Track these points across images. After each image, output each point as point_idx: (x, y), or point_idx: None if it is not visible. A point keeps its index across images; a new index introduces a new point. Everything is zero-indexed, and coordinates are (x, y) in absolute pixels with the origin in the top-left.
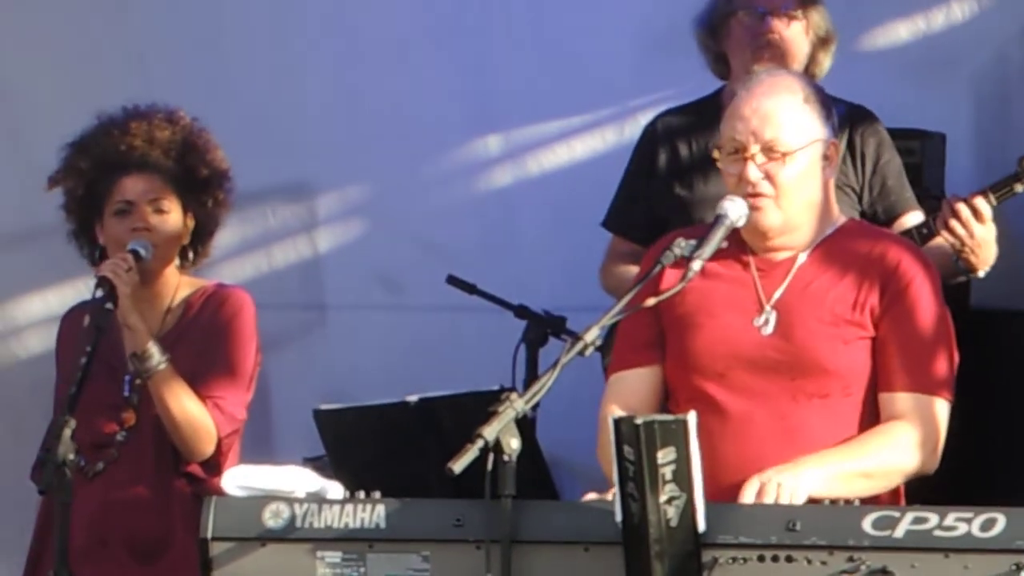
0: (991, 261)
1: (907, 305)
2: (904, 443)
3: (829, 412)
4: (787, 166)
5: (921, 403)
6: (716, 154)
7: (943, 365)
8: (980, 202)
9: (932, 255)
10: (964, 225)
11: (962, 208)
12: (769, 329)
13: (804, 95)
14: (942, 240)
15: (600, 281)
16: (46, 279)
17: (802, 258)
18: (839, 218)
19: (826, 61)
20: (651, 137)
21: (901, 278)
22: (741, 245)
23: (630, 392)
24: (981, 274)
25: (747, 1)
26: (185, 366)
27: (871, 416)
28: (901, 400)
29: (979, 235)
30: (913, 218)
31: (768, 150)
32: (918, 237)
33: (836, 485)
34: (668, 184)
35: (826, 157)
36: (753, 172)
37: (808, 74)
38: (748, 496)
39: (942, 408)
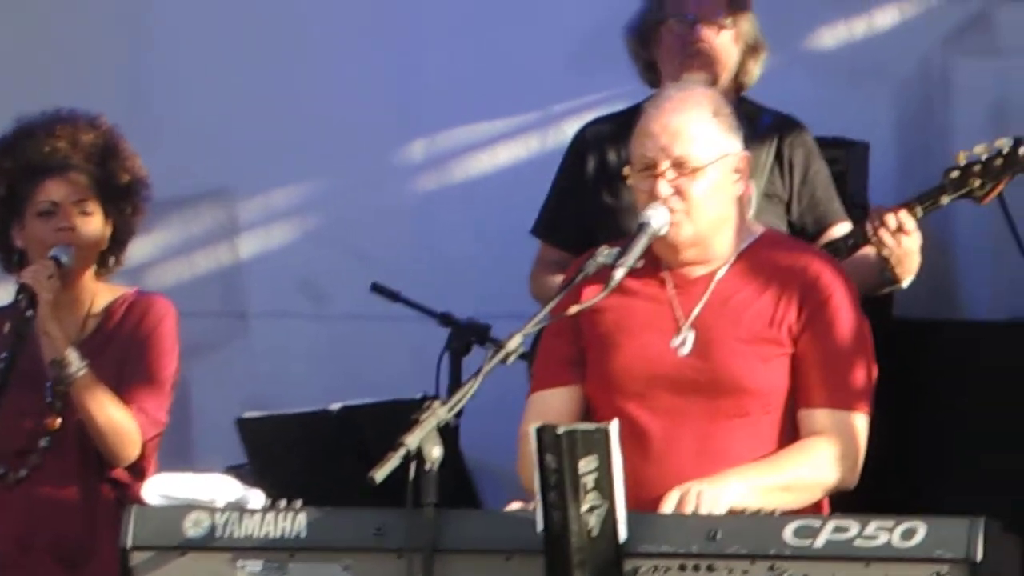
0: (915, 271)
1: (826, 320)
2: (824, 458)
3: (749, 431)
4: (697, 181)
5: (840, 419)
6: (627, 171)
7: (861, 379)
8: (904, 214)
9: (858, 266)
10: (892, 235)
11: (890, 219)
12: (686, 349)
13: (713, 109)
14: (868, 250)
15: (529, 288)
16: None
17: (721, 272)
18: (756, 229)
19: (755, 69)
20: (580, 145)
21: (820, 293)
22: (657, 262)
23: (550, 411)
24: (905, 284)
25: (677, 9)
26: (108, 373)
27: (791, 432)
28: (821, 416)
29: (905, 245)
30: (841, 229)
31: (678, 166)
32: (844, 248)
33: (756, 498)
34: (596, 192)
35: (737, 170)
36: (663, 188)
37: (737, 83)
38: (669, 506)
39: (861, 423)
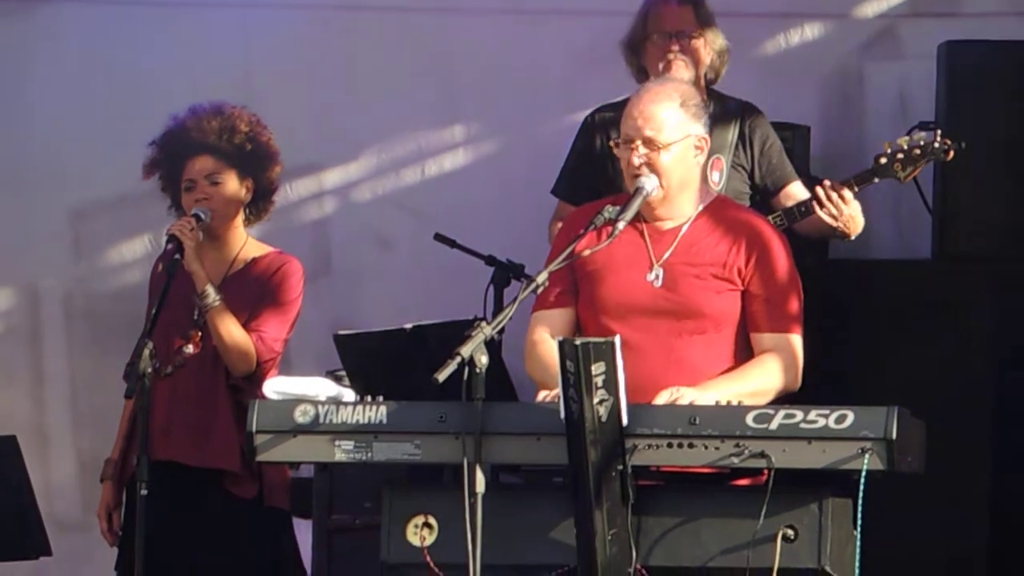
0: (860, 228)
1: (767, 265)
2: (773, 370)
3: (706, 345)
4: (663, 154)
5: (783, 340)
6: (612, 143)
7: (796, 308)
8: (845, 191)
9: (815, 225)
10: (835, 206)
11: (831, 194)
12: (659, 283)
13: (681, 100)
14: (823, 216)
15: (548, 234)
16: (135, 231)
17: (685, 227)
18: (712, 193)
19: (723, 69)
20: (589, 126)
21: (762, 244)
22: (637, 217)
23: (552, 325)
24: (853, 237)
25: (658, 27)
26: (244, 305)
27: (740, 347)
28: (768, 339)
29: (848, 212)
30: (796, 187)
31: (648, 143)
32: (798, 214)
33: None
34: (602, 164)
35: (697, 147)
36: (636, 159)
37: (707, 79)
38: (661, 400)
39: (798, 341)
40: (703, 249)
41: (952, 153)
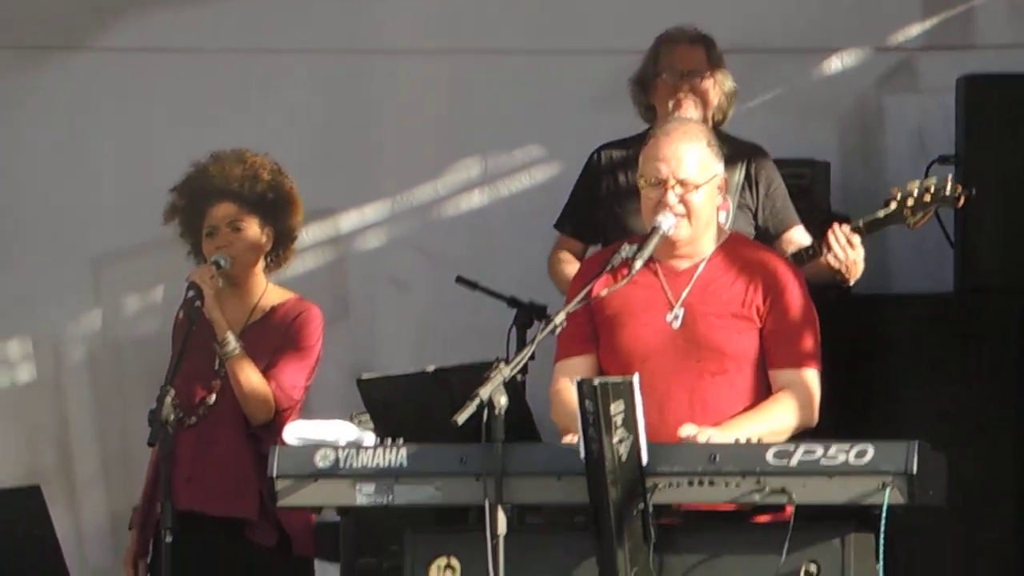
0: (859, 274)
1: (784, 303)
2: (790, 408)
3: (728, 385)
4: (695, 194)
5: (799, 376)
6: (641, 183)
7: (812, 344)
8: (855, 237)
9: (817, 270)
10: (843, 250)
11: (842, 238)
12: (678, 324)
13: (707, 140)
14: (829, 259)
15: (548, 266)
16: (156, 279)
17: (702, 266)
18: (726, 231)
19: (730, 111)
20: (595, 164)
21: (779, 282)
22: (651, 258)
23: (574, 374)
24: (852, 283)
25: (669, 65)
26: (264, 353)
27: (760, 386)
28: (785, 375)
29: (852, 257)
30: (797, 232)
31: (682, 183)
32: (805, 257)
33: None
34: (608, 203)
35: (719, 187)
36: (672, 198)
37: (714, 120)
38: (683, 433)
39: (815, 377)
40: (720, 288)
41: (963, 200)
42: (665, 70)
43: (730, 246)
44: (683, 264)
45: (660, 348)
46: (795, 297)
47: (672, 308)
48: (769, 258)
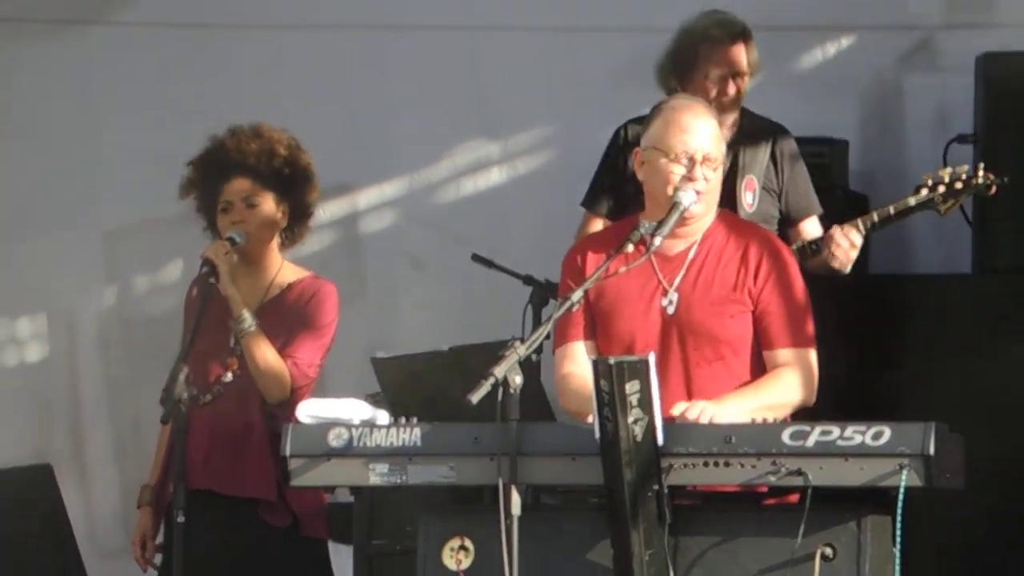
0: (850, 266)
1: (781, 282)
2: (791, 384)
3: (724, 370)
4: (715, 172)
5: (799, 355)
6: (663, 158)
7: (809, 323)
8: (855, 234)
9: (813, 263)
10: (845, 253)
11: (843, 240)
12: (672, 310)
13: (718, 120)
14: (829, 260)
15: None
16: (170, 255)
17: (694, 250)
18: (713, 212)
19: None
20: (620, 141)
21: (769, 261)
22: (639, 246)
23: (577, 359)
24: (846, 271)
25: (719, 64)
26: (280, 330)
27: (756, 370)
28: (783, 354)
29: (851, 255)
30: (811, 223)
31: (706, 160)
32: (811, 252)
33: (746, 416)
34: (632, 180)
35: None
36: (700, 173)
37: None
38: (676, 410)
39: (813, 356)
40: (712, 272)
41: (995, 188)
42: (713, 67)
43: (717, 227)
44: (675, 248)
45: (656, 335)
46: (789, 277)
47: (667, 293)
48: (759, 236)
